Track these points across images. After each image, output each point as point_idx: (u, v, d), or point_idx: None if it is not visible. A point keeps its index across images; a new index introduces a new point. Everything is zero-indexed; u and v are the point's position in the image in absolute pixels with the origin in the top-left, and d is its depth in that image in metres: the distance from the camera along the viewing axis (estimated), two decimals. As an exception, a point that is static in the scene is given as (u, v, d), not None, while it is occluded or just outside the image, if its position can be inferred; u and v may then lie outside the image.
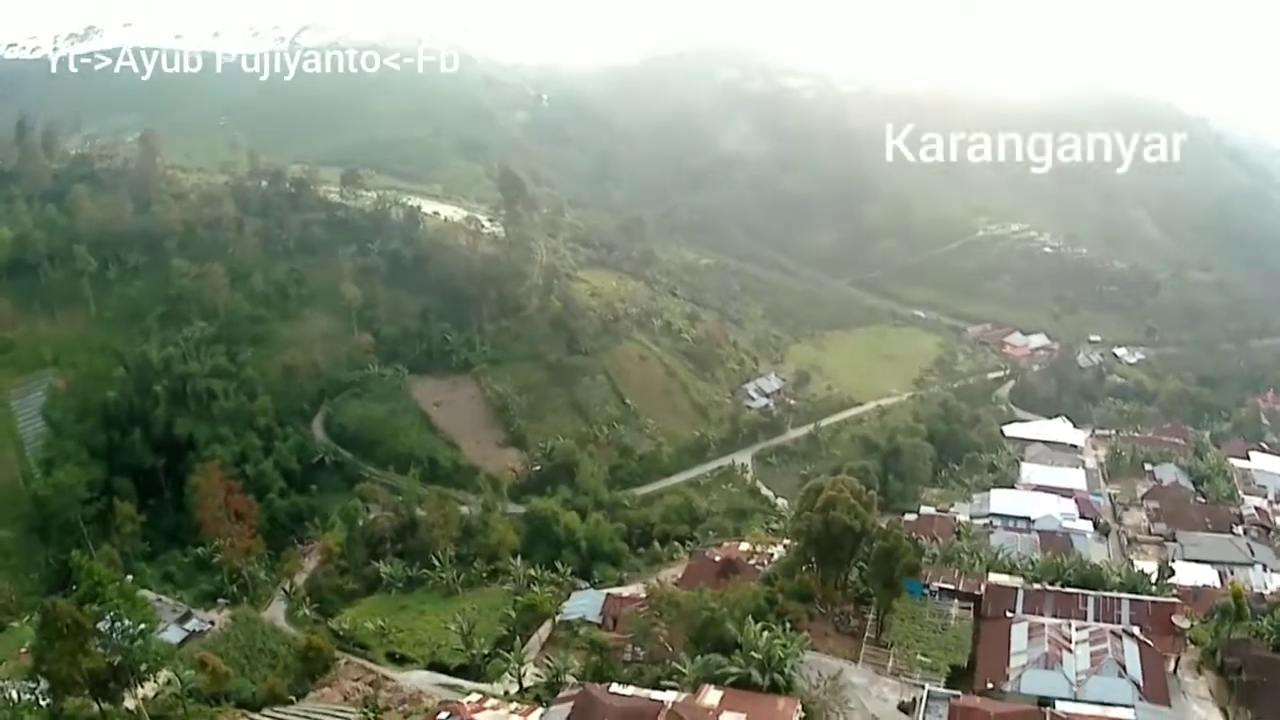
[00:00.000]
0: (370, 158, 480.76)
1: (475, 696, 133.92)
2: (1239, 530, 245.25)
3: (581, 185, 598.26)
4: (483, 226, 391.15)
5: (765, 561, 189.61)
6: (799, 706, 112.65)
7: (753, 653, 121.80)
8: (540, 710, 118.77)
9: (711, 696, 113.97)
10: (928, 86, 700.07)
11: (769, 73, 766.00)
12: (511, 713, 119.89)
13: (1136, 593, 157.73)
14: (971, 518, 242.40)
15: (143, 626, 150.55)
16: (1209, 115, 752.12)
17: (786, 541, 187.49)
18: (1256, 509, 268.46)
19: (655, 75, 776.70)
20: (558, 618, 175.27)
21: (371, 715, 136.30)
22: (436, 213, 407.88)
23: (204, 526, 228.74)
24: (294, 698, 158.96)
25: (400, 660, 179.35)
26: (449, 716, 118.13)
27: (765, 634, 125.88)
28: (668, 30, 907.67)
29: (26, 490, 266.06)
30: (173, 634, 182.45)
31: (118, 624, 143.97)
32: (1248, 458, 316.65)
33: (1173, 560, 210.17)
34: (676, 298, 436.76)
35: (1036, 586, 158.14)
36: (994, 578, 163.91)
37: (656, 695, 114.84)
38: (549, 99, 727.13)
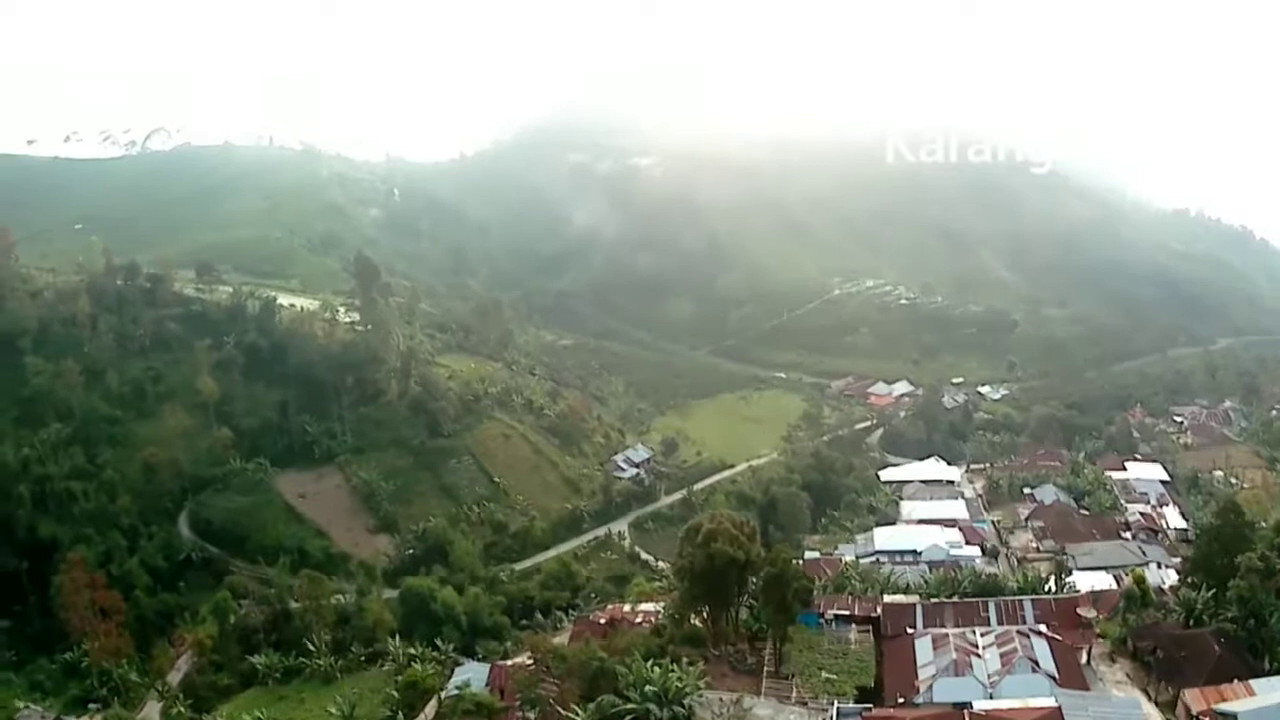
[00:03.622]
0: (225, 257, 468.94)
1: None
2: (1127, 536, 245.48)
3: (437, 277, 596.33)
4: (338, 313, 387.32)
5: (652, 619, 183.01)
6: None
7: (648, 687, 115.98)
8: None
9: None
10: (774, 151, 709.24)
11: (617, 153, 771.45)
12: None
13: (1036, 594, 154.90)
14: (857, 558, 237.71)
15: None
16: (1054, 158, 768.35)
17: (673, 593, 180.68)
18: (1141, 514, 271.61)
19: (504, 163, 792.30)
20: (443, 694, 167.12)
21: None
22: (293, 305, 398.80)
23: (70, 625, 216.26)
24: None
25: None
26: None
27: (657, 669, 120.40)
28: (513, 118, 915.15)
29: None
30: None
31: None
32: (1124, 469, 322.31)
33: (1068, 564, 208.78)
34: (536, 377, 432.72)
35: (934, 600, 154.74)
36: (890, 598, 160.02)
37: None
38: (400, 193, 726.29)
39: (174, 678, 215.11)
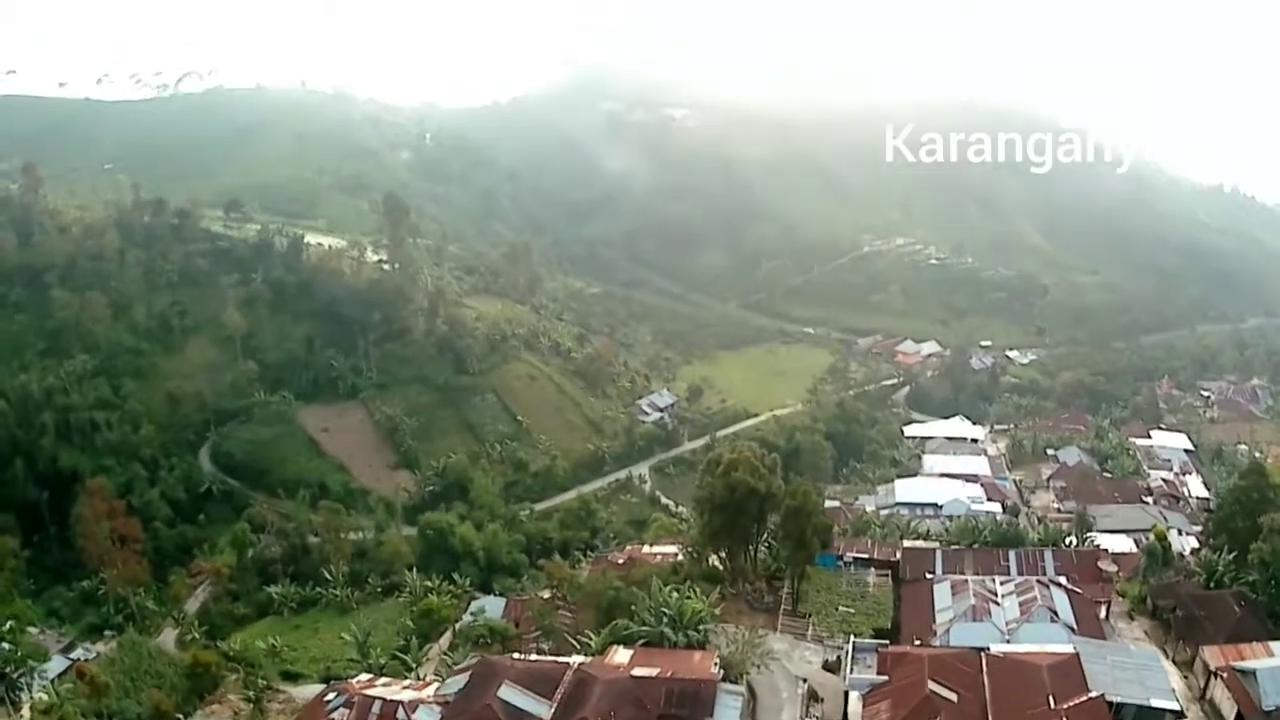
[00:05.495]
0: (254, 197, 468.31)
1: (365, 676, 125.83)
2: (1148, 500, 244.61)
3: (467, 221, 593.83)
4: (366, 251, 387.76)
5: (670, 560, 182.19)
6: (716, 659, 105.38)
7: (664, 609, 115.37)
8: (437, 682, 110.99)
9: (621, 655, 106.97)
10: (809, 109, 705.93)
11: (651, 104, 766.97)
12: (405, 687, 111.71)
13: (1057, 547, 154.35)
14: (878, 509, 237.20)
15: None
16: (1087, 127, 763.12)
17: (692, 534, 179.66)
18: (1164, 481, 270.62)
19: (537, 111, 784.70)
20: (457, 625, 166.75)
21: (254, 694, 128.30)
22: (320, 243, 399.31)
23: (88, 554, 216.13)
24: (181, 715, 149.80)
25: (294, 678, 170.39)
26: (337, 695, 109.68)
27: (675, 594, 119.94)
28: (547, 66, 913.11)
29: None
30: (56, 664, 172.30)
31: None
32: (1149, 436, 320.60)
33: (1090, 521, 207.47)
34: (564, 322, 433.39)
35: (955, 547, 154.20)
36: (910, 543, 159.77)
37: (563, 660, 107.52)
38: (432, 137, 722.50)
39: (191, 606, 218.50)
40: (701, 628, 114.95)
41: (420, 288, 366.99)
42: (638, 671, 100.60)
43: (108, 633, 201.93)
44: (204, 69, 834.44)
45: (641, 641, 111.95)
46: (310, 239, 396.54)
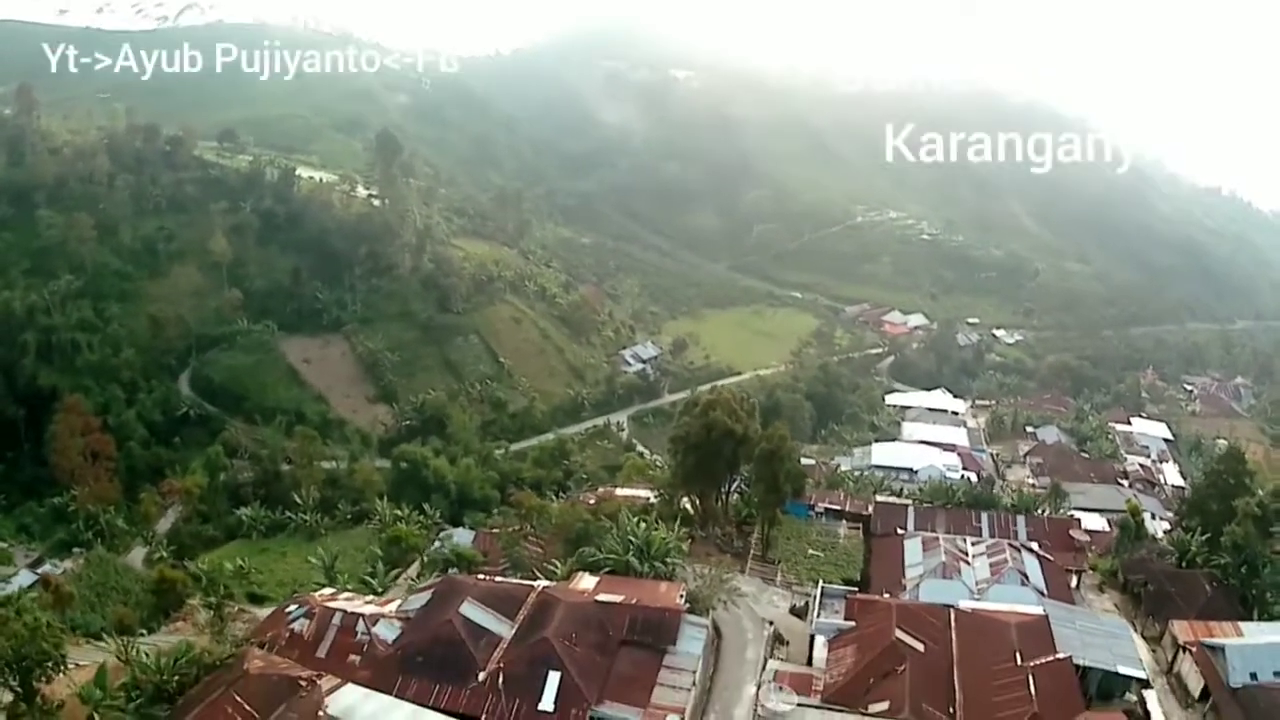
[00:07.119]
0: (249, 131, 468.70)
1: (327, 590, 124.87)
2: (1124, 483, 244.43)
3: (460, 166, 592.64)
4: (357, 185, 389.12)
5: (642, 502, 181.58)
6: (682, 590, 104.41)
7: (631, 538, 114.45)
8: (399, 600, 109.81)
9: (587, 581, 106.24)
10: (811, 80, 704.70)
11: (654, 63, 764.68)
12: (366, 602, 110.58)
13: (1030, 513, 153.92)
14: (853, 469, 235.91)
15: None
16: (1087, 116, 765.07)
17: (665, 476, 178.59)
18: (1141, 466, 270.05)
19: (539, 63, 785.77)
20: (425, 556, 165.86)
21: (215, 601, 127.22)
22: (312, 176, 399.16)
23: (60, 469, 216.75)
24: (145, 631, 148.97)
25: (260, 600, 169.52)
26: (298, 607, 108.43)
27: (643, 525, 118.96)
28: (553, 19, 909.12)
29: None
30: (24, 577, 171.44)
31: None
32: (1129, 423, 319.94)
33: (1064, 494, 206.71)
34: (552, 269, 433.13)
35: (928, 505, 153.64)
36: (882, 498, 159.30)
37: (527, 582, 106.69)
38: (430, 82, 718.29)
39: (161, 526, 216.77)
40: (669, 560, 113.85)
41: (409, 225, 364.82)
42: (602, 597, 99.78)
43: (76, 550, 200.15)
44: (205, 3, 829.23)
45: (607, 570, 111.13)
46: (302, 172, 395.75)
